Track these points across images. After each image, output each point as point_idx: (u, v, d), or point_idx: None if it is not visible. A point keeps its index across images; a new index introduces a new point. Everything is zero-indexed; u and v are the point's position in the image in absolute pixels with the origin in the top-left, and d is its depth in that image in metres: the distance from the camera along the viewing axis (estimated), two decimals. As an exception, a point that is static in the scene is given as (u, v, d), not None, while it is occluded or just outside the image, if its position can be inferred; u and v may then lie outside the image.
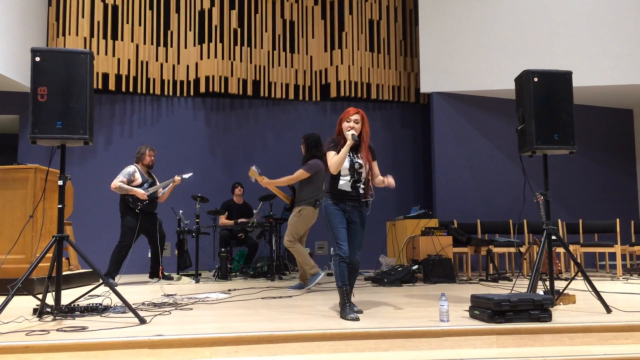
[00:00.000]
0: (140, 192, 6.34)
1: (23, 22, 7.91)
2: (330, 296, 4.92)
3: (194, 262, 6.93)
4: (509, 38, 8.70)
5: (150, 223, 6.55)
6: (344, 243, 3.77)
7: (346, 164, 3.84)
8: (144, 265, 7.47)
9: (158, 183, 6.66)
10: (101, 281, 3.66)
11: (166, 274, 6.80)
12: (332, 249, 9.15)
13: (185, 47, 9.03)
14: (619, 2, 8.39)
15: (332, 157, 3.82)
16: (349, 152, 3.86)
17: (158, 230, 6.64)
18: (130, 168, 6.48)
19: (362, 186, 3.88)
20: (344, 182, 3.86)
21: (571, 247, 7.38)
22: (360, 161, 3.87)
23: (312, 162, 5.71)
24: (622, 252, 7.48)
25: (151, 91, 8.87)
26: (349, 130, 3.83)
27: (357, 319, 3.44)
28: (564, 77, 4.15)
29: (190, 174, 6.91)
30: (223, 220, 7.69)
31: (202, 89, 8.92)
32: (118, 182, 6.30)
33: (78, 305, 3.77)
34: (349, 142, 3.78)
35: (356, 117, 3.88)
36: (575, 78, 4.28)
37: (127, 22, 8.82)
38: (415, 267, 6.50)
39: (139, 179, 6.45)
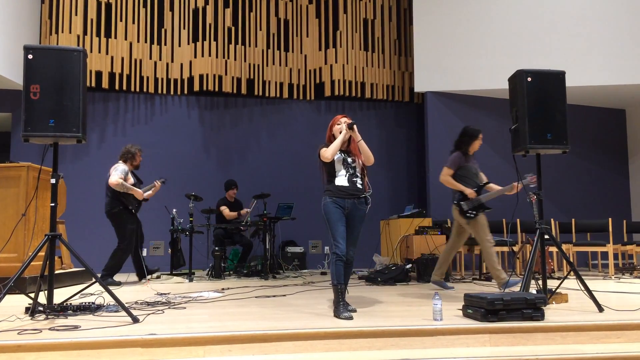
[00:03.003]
0: (140, 192, 6.24)
1: (16, 20, 7.87)
2: (324, 295, 4.92)
3: (188, 261, 6.91)
4: (503, 38, 8.72)
5: (138, 225, 6.48)
6: (341, 241, 3.78)
7: (337, 157, 3.90)
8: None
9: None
10: (94, 280, 3.64)
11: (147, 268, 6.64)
12: (326, 247, 9.19)
13: (179, 46, 9.00)
14: (612, 3, 8.43)
15: (325, 150, 3.89)
16: (341, 152, 3.93)
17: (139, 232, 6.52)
18: (123, 166, 6.25)
19: (359, 181, 3.92)
20: (341, 178, 3.91)
21: (564, 246, 7.42)
22: (352, 157, 3.95)
23: (452, 156, 5.37)
24: (614, 251, 7.52)
25: (145, 89, 8.84)
26: (342, 126, 3.95)
27: (351, 318, 3.44)
28: (558, 77, 4.16)
29: (164, 180, 6.75)
30: (227, 212, 7.63)
31: (196, 88, 8.90)
32: (119, 179, 6.03)
33: (70, 304, 3.75)
34: (345, 132, 3.88)
35: (345, 119, 4.00)
36: (569, 78, 4.30)
37: (121, 20, 8.78)
38: (409, 266, 6.51)
39: (131, 179, 6.28)
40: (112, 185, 6.03)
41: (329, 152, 3.84)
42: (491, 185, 5.48)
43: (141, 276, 6.51)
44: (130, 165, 6.35)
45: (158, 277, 6.89)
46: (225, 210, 7.66)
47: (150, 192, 6.55)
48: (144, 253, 8.31)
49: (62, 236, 3.69)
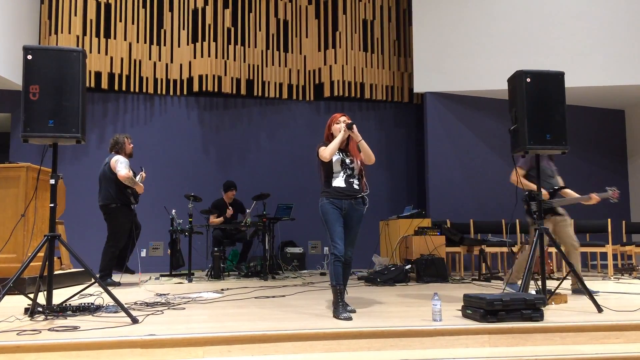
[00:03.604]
0: (142, 187, 6.15)
1: (15, 20, 7.86)
2: (324, 295, 4.92)
3: (187, 261, 6.90)
4: (503, 38, 8.73)
5: (134, 216, 6.37)
6: (339, 242, 3.78)
7: (336, 158, 3.90)
8: (132, 264, 7.38)
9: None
10: (93, 280, 3.64)
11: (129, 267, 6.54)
12: (325, 248, 9.18)
13: (179, 46, 9.00)
14: (611, 3, 8.44)
15: (323, 149, 3.88)
16: (340, 152, 3.93)
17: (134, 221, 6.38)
18: (125, 158, 6.08)
19: (356, 181, 3.92)
20: (337, 178, 3.90)
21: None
22: (351, 157, 3.94)
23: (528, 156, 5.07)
24: (613, 252, 7.53)
25: (144, 90, 8.84)
26: (342, 125, 3.94)
27: (350, 319, 3.44)
28: (557, 78, 4.17)
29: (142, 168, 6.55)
30: (213, 219, 7.65)
31: (196, 88, 8.90)
32: (129, 172, 5.91)
33: (70, 304, 3.75)
34: (343, 132, 3.88)
35: (344, 118, 4.01)
36: (568, 78, 4.31)
37: (120, 21, 8.78)
38: (408, 266, 6.51)
39: (131, 171, 6.12)
40: (123, 180, 5.88)
41: (327, 152, 3.84)
42: (567, 190, 5.16)
43: (120, 267, 6.29)
44: (125, 155, 6.18)
45: (157, 279, 6.89)
46: (211, 218, 7.63)
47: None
48: (143, 254, 8.34)
49: (61, 237, 3.69)
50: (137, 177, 6.21)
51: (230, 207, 7.77)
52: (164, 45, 8.97)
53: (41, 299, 3.65)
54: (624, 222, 8.19)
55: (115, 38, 8.71)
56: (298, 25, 9.54)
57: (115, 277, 6.28)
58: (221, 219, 7.66)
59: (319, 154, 3.90)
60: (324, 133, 4.08)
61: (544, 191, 4.95)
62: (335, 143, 3.85)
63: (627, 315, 3.54)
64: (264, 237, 7.18)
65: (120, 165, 5.93)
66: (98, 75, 8.54)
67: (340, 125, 3.95)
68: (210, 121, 9.12)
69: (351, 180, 3.91)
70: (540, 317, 3.31)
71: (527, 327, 3.18)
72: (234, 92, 9.05)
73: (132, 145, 6.30)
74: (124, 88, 8.71)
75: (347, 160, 3.92)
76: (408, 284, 6.17)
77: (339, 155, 3.92)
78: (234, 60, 9.08)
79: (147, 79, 8.85)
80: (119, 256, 6.23)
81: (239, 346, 2.91)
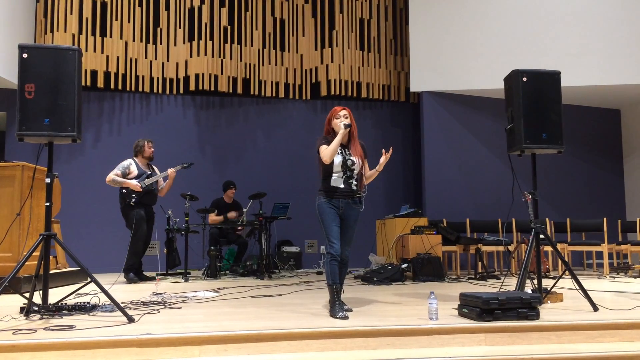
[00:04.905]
0: (133, 184, 6.28)
1: (10, 18, 7.83)
2: (320, 294, 4.92)
3: (183, 260, 6.89)
4: (499, 38, 8.75)
5: (149, 217, 6.49)
6: (336, 241, 3.77)
7: (338, 160, 3.85)
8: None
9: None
10: (89, 279, 3.63)
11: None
12: (322, 247, 9.18)
13: (175, 45, 8.98)
14: (607, 3, 8.46)
15: (324, 149, 3.84)
16: (342, 150, 3.90)
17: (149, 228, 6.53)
18: (127, 161, 6.45)
19: (354, 182, 3.90)
20: (337, 178, 3.88)
21: (559, 246, 7.44)
22: (352, 158, 3.90)
23: None
24: (609, 251, 7.54)
25: (140, 89, 8.81)
26: (340, 124, 3.88)
27: (347, 318, 3.45)
28: (553, 77, 4.18)
29: (187, 164, 6.73)
30: (213, 217, 7.65)
31: (192, 87, 8.88)
32: (112, 175, 6.29)
33: (65, 304, 3.74)
34: (342, 131, 3.82)
35: (344, 112, 3.96)
36: (564, 78, 4.31)
37: (116, 19, 8.76)
38: (404, 265, 6.52)
39: (134, 171, 6.39)
40: (106, 182, 6.30)
41: (327, 155, 3.79)
42: None
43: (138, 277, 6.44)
44: (142, 158, 6.56)
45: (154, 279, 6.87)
46: (211, 216, 7.62)
47: (167, 183, 6.64)
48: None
49: (57, 236, 3.68)
50: (156, 177, 6.53)
51: (232, 211, 7.75)
52: (160, 44, 8.95)
53: (37, 298, 3.64)
54: (619, 221, 8.22)
55: (111, 37, 8.68)
56: (295, 24, 9.53)
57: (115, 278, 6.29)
58: (221, 217, 7.64)
59: (320, 153, 3.87)
60: (324, 127, 4.04)
61: None
62: (334, 145, 3.79)
63: (622, 314, 3.56)
64: (261, 236, 7.17)
65: (114, 169, 6.33)
66: (94, 73, 8.51)
67: (340, 120, 3.90)
68: (207, 120, 9.11)
69: (350, 180, 3.89)
70: (536, 315, 3.32)
71: (523, 326, 3.19)
72: (231, 91, 9.04)
73: (152, 150, 6.64)
74: (120, 87, 8.69)
75: (349, 162, 3.88)
76: (404, 283, 6.18)
77: (341, 155, 3.87)
78: (231, 59, 9.06)
79: (143, 77, 8.82)
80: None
81: (235, 345, 2.91)
